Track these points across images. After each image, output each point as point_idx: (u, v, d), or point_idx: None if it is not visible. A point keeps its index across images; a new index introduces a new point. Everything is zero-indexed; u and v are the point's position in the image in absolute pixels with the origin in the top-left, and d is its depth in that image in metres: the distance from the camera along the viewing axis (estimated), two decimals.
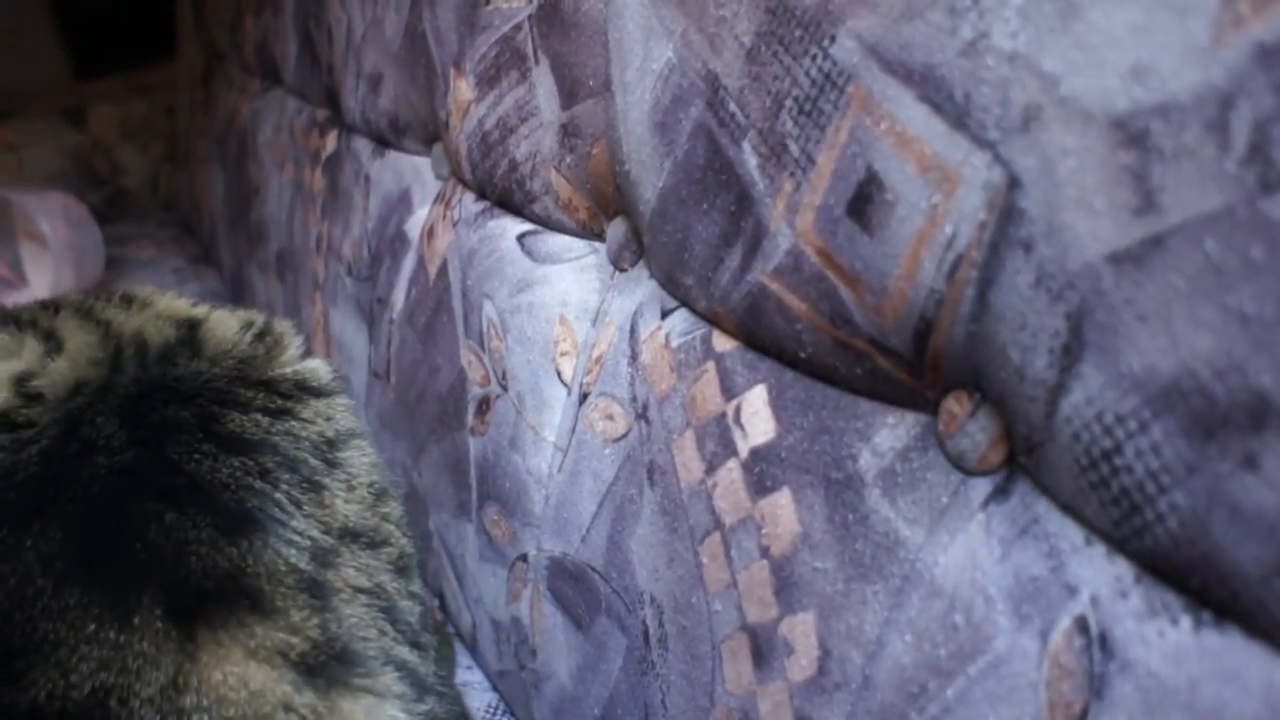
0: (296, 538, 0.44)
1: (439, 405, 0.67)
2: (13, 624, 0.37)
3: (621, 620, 0.50)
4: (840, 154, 0.36)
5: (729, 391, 0.44)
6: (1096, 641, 0.30)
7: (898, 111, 0.34)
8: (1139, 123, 0.28)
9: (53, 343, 0.51)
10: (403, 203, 0.76)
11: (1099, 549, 0.31)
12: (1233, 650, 0.27)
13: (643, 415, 0.49)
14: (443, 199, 0.70)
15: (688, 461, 0.45)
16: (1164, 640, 0.28)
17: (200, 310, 0.58)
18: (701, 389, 0.45)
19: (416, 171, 0.75)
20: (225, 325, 0.56)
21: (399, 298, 0.74)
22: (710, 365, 0.45)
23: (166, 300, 0.58)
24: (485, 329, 0.62)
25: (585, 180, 0.54)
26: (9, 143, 1.56)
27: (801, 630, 0.39)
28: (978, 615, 0.33)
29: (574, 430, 0.54)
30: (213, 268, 1.43)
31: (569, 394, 0.55)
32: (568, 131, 0.54)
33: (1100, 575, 0.30)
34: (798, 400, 0.41)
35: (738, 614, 0.42)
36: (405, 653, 0.45)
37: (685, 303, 0.47)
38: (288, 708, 0.37)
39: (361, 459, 0.52)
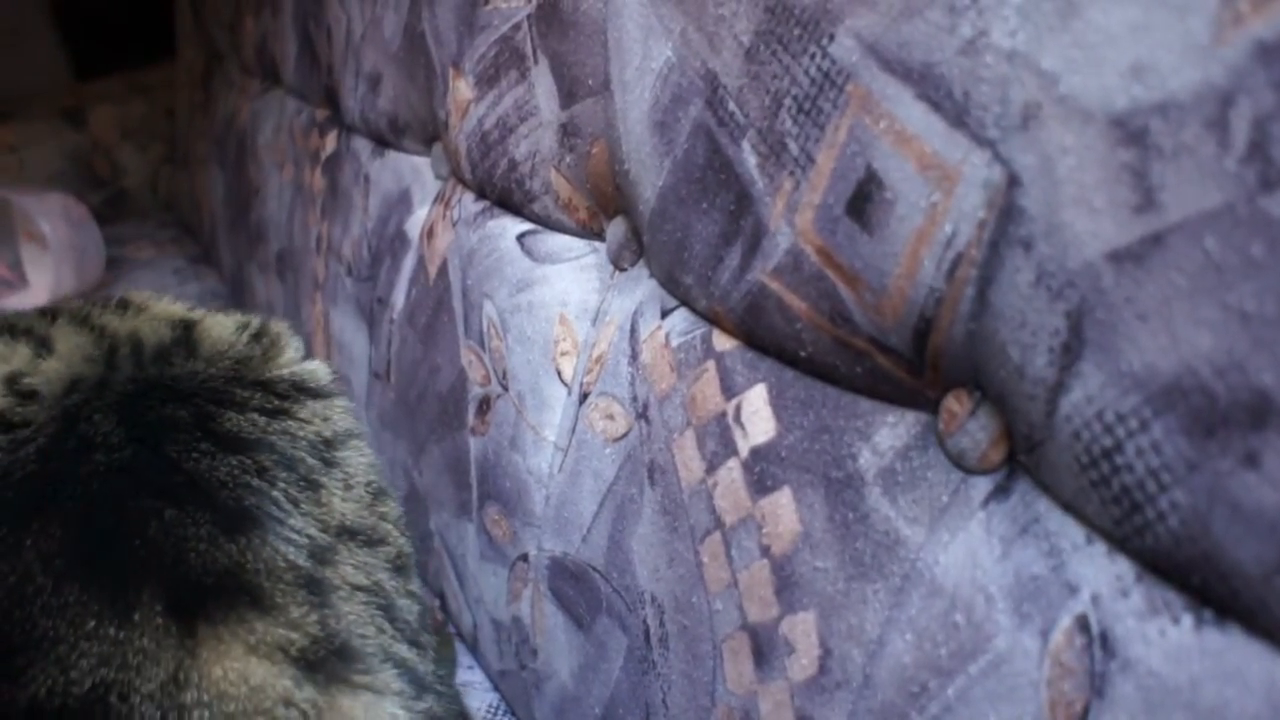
0: (294, 535, 0.44)
1: (439, 405, 0.67)
2: (12, 621, 0.37)
3: (622, 620, 0.50)
4: (840, 153, 0.36)
5: (729, 391, 0.44)
6: (1097, 640, 0.30)
7: (897, 110, 0.34)
8: (1139, 121, 0.28)
9: (44, 347, 0.51)
10: (402, 203, 0.76)
11: (1100, 547, 0.31)
12: (1234, 649, 0.27)
13: (643, 415, 0.49)
14: (442, 199, 0.70)
15: (688, 461, 0.45)
16: (1165, 639, 0.28)
17: (196, 313, 0.58)
18: (702, 388, 0.45)
19: (416, 171, 0.75)
20: (221, 326, 0.56)
21: (399, 298, 0.74)
22: (710, 364, 0.45)
23: (163, 304, 0.58)
24: (485, 329, 0.62)
25: (585, 180, 0.54)
26: (9, 143, 1.56)
27: (802, 629, 0.39)
28: (978, 614, 0.33)
29: (574, 430, 0.54)
30: (213, 268, 1.43)
31: (569, 393, 0.55)
32: (567, 131, 0.54)
33: (1101, 574, 0.30)
34: (798, 399, 0.41)
35: (738, 613, 0.42)
36: (404, 650, 0.45)
37: (685, 302, 0.47)
38: (288, 703, 0.37)
39: (359, 459, 0.52)
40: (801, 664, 0.39)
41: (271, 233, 1.09)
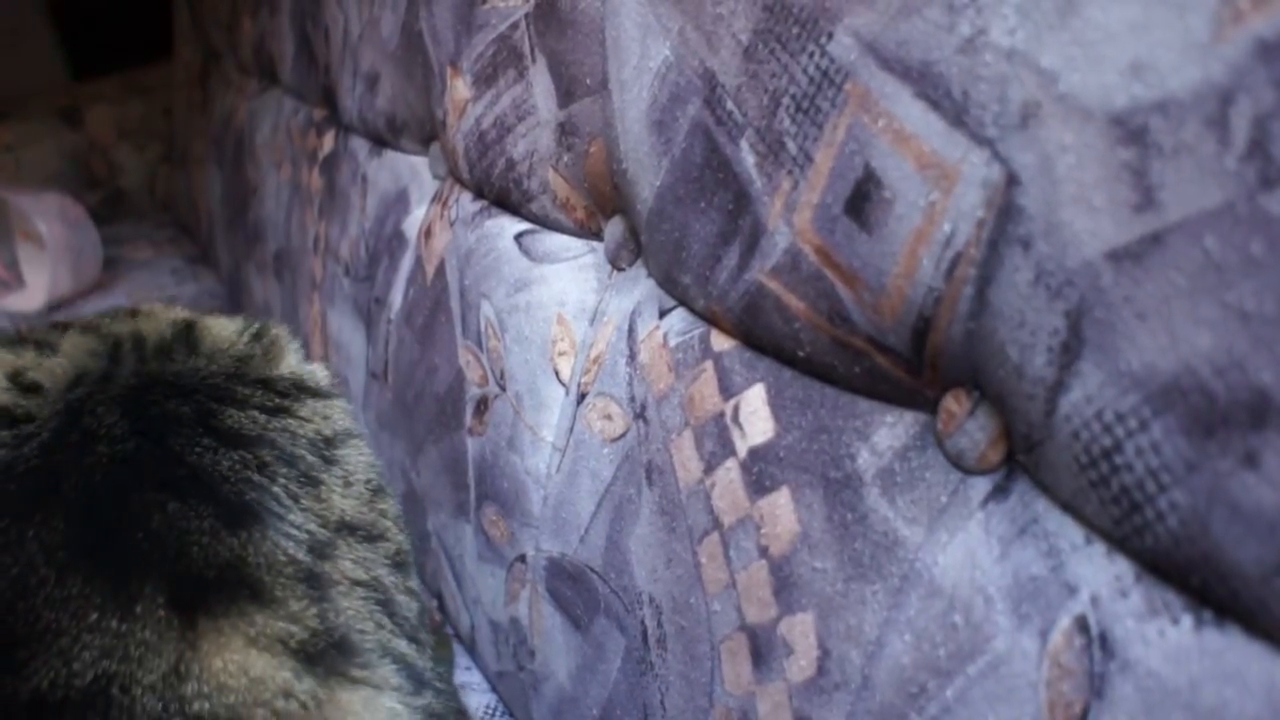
0: (294, 530, 0.44)
1: (437, 405, 0.67)
2: (15, 613, 0.38)
3: (620, 621, 0.50)
4: (838, 152, 0.36)
5: (727, 391, 0.44)
6: (1096, 641, 0.30)
7: (896, 109, 0.34)
8: (1138, 119, 0.27)
9: (48, 347, 0.52)
10: (400, 202, 0.76)
11: (1099, 548, 0.30)
12: (1233, 649, 0.27)
13: (641, 415, 0.49)
14: (440, 198, 0.70)
15: (686, 461, 0.45)
16: (1164, 640, 0.28)
17: (197, 314, 0.59)
18: (700, 388, 0.45)
19: (414, 171, 0.75)
20: (221, 326, 0.57)
21: (396, 298, 0.74)
22: (708, 364, 0.45)
23: (166, 309, 0.60)
24: (483, 329, 0.62)
25: (583, 179, 0.54)
26: (6, 143, 1.56)
27: (800, 630, 0.39)
28: (977, 615, 0.33)
29: (572, 430, 0.54)
30: (210, 268, 1.43)
31: (567, 394, 0.55)
32: (565, 130, 0.54)
33: (1100, 574, 0.30)
34: (796, 399, 0.41)
35: (736, 614, 0.42)
36: (403, 646, 0.45)
37: (683, 302, 0.47)
38: (287, 694, 0.38)
39: (359, 457, 0.52)
40: (800, 665, 0.39)
41: (269, 232, 1.09)
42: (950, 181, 0.32)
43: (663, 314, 0.48)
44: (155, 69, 1.69)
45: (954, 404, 0.35)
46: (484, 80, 0.60)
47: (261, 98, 1.15)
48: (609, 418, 0.51)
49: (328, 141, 0.92)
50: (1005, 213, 0.31)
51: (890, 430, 0.37)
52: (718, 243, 0.43)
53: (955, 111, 0.32)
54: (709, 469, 0.44)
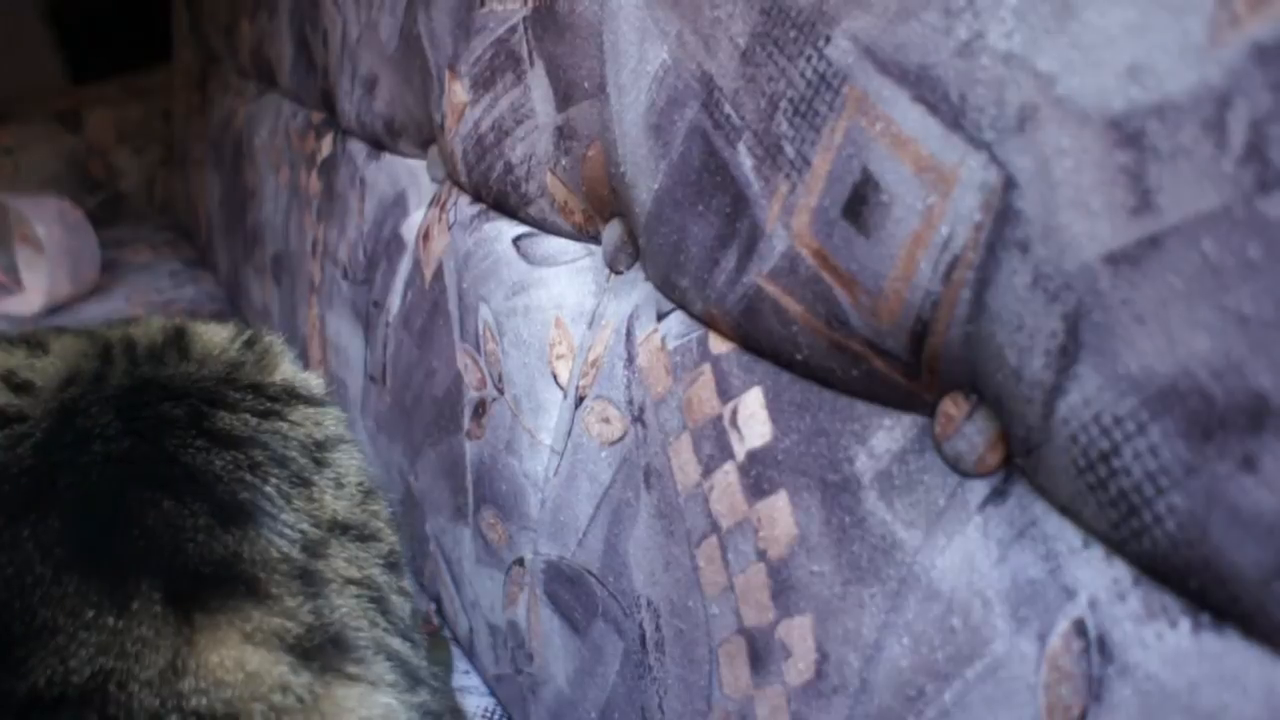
0: (287, 529, 0.45)
1: (435, 409, 0.67)
2: (12, 612, 0.38)
3: (618, 624, 0.50)
4: (836, 155, 0.36)
5: (725, 394, 0.44)
6: (1095, 644, 0.30)
7: (893, 112, 0.34)
8: (1135, 122, 0.27)
9: (40, 348, 0.53)
10: (398, 206, 0.76)
11: (1097, 551, 0.30)
12: (1232, 653, 0.27)
13: (639, 418, 0.49)
14: (438, 202, 0.70)
15: (684, 464, 0.45)
16: (1163, 643, 0.28)
17: (188, 321, 0.59)
18: (698, 391, 0.45)
19: (412, 174, 0.75)
20: (213, 333, 0.58)
21: (395, 301, 0.74)
22: (706, 367, 0.45)
23: (159, 317, 0.60)
24: (481, 332, 0.61)
25: (581, 183, 0.54)
26: (4, 146, 1.56)
27: (799, 633, 0.39)
28: (975, 618, 0.33)
29: (570, 433, 0.54)
30: (209, 271, 1.43)
31: (565, 397, 0.55)
32: (563, 134, 0.54)
33: (1099, 577, 0.30)
34: (794, 402, 0.41)
35: (735, 617, 0.42)
36: (397, 644, 0.45)
37: (681, 305, 0.47)
38: (284, 689, 0.38)
39: (350, 461, 0.53)
40: (798, 668, 0.39)
41: (268, 236, 1.09)
42: (948, 185, 0.32)
43: (661, 317, 0.48)
44: (154, 72, 1.69)
45: (952, 407, 0.35)
46: (482, 84, 0.60)
47: (260, 101, 1.15)
48: (607, 421, 0.51)
49: (326, 145, 0.92)
50: (1003, 216, 0.31)
51: (888, 433, 0.37)
52: (715, 246, 0.43)
53: (953, 115, 0.32)
54: (707, 472, 0.44)
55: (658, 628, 0.47)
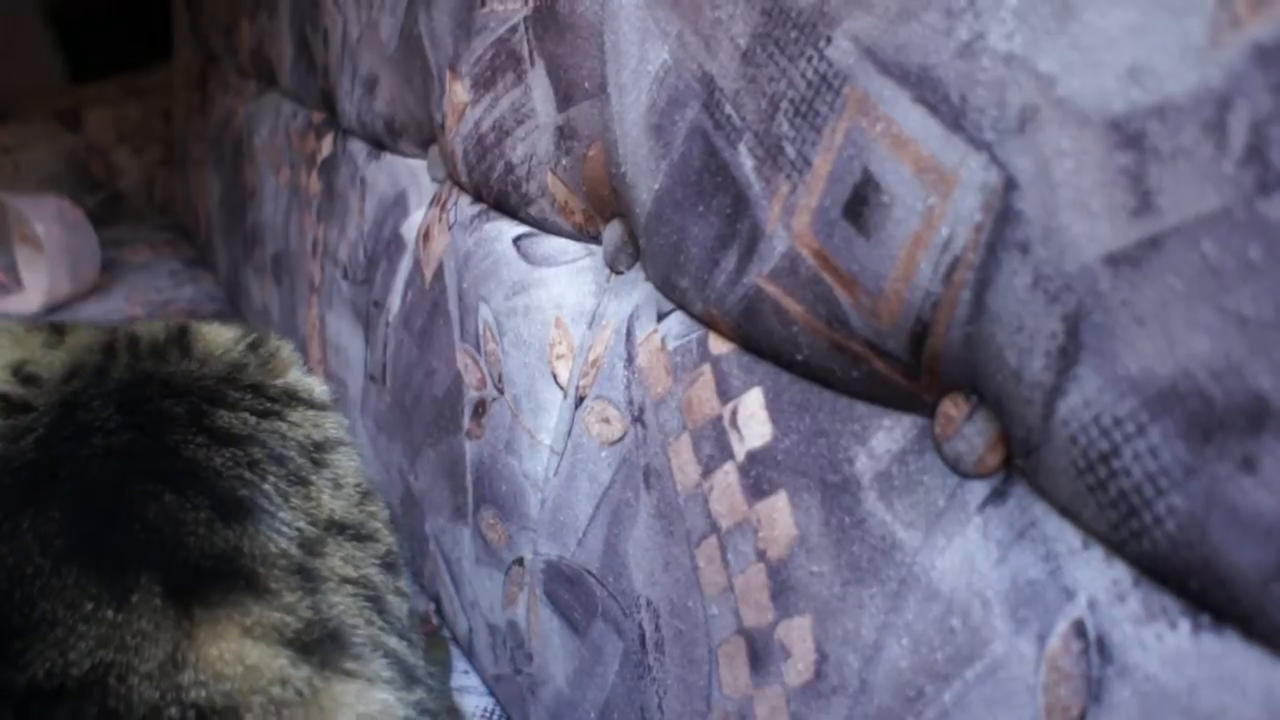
0: (284, 527, 0.45)
1: (435, 408, 0.67)
2: (12, 604, 0.38)
3: (618, 624, 0.50)
4: (836, 156, 0.36)
5: (725, 394, 0.44)
6: (1094, 645, 0.30)
7: (894, 113, 0.34)
8: (1136, 124, 0.27)
9: (56, 334, 0.53)
10: (398, 205, 0.76)
11: (1097, 552, 0.30)
12: (1232, 654, 0.27)
13: (639, 418, 0.49)
14: (439, 202, 0.70)
15: (684, 465, 0.45)
16: (1162, 644, 0.28)
17: (193, 321, 0.60)
18: (698, 392, 0.45)
19: (412, 174, 0.75)
20: (217, 333, 0.58)
21: (395, 301, 0.74)
22: (706, 368, 0.45)
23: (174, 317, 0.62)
24: (481, 332, 0.61)
25: (581, 183, 0.54)
26: (4, 145, 1.56)
27: (798, 634, 0.39)
28: (975, 619, 0.33)
29: (570, 433, 0.54)
30: (208, 271, 1.43)
31: (565, 397, 0.55)
32: (564, 134, 0.54)
33: (1098, 578, 0.30)
34: (794, 403, 0.41)
35: (734, 618, 0.42)
36: (394, 642, 0.45)
37: (681, 305, 0.47)
38: (283, 682, 0.38)
39: (348, 463, 0.53)
40: (797, 669, 0.39)
41: (268, 235, 1.09)
42: (948, 186, 0.32)
43: (661, 317, 0.48)
44: (154, 72, 1.69)
45: (952, 408, 0.35)
46: (483, 84, 0.60)
47: (260, 100, 1.15)
48: (607, 421, 0.51)
49: (326, 144, 0.92)
50: (1003, 217, 0.31)
51: (888, 434, 0.37)
52: (716, 246, 0.43)
53: (953, 116, 0.32)
54: (707, 472, 0.44)
55: (657, 628, 0.47)
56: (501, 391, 0.60)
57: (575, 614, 0.53)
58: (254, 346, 0.57)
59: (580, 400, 0.53)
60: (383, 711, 0.40)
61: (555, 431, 0.55)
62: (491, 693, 0.65)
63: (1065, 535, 0.31)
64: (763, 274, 0.40)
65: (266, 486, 0.46)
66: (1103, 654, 0.29)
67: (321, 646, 0.40)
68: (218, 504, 0.43)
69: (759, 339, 0.42)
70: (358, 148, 0.85)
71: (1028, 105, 0.30)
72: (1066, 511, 0.32)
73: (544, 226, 0.59)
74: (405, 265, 0.73)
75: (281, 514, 0.45)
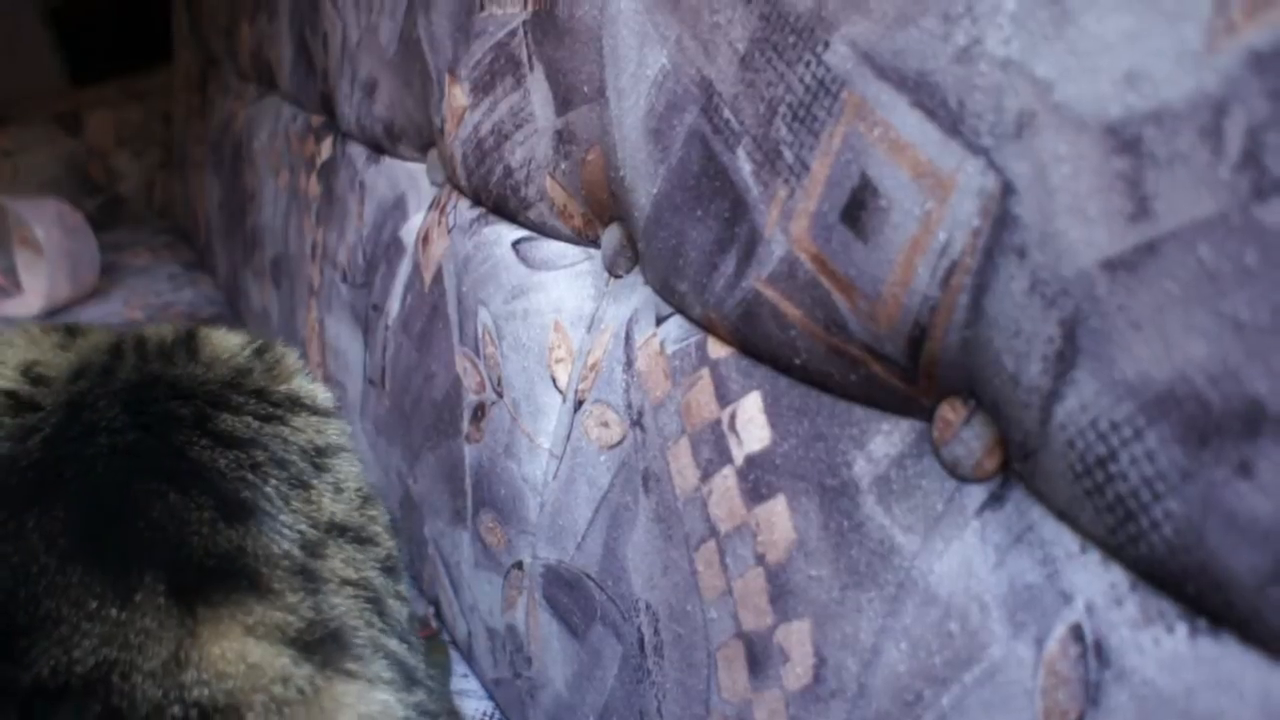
0: (286, 530, 0.45)
1: (434, 412, 0.67)
2: (17, 602, 0.38)
3: (617, 628, 0.50)
4: (834, 160, 0.36)
5: (724, 398, 0.44)
6: (1092, 649, 0.30)
7: (892, 118, 0.34)
8: (1132, 129, 0.28)
9: (69, 338, 0.54)
10: (398, 209, 0.76)
11: (1094, 556, 0.31)
12: (1228, 658, 0.27)
13: (638, 422, 0.49)
14: (438, 205, 0.70)
15: (683, 469, 0.45)
16: (1159, 648, 0.28)
17: (201, 326, 0.61)
18: (696, 396, 0.45)
19: (412, 178, 0.75)
20: (224, 338, 0.59)
21: (394, 304, 0.74)
22: (705, 372, 0.45)
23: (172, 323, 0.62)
24: (480, 335, 0.62)
25: (580, 186, 0.54)
26: (4, 149, 1.56)
27: (797, 638, 0.39)
28: (973, 623, 0.33)
29: (569, 437, 0.54)
30: (208, 274, 1.43)
31: (564, 401, 0.55)
32: (562, 138, 0.54)
33: (1095, 582, 0.30)
34: (792, 407, 0.41)
35: (733, 622, 0.42)
36: (394, 644, 0.45)
37: (680, 309, 0.47)
38: (285, 681, 0.38)
39: (350, 468, 0.53)
40: (796, 673, 0.39)
41: (267, 239, 1.09)
42: (946, 190, 0.32)
43: (659, 321, 0.48)
44: (154, 75, 1.69)
45: (950, 412, 0.35)
46: (482, 88, 0.60)
47: (260, 104, 1.16)
48: (606, 425, 0.51)
49: (326, 148, 0.92)
50: (1000, 222, 0.31)
51: (886, 438, 0.37)
52: (714, 250, 0.43)
53: (951, 121, 0.32)
54: (706, 476, 0.44)
55: (656, 632, 0.47)
56: (500, 395, 0.60)
57: (574, 618, 0.53)
58: (260, 353, 0.58)
59: (579, 404, 0.53)
60: (383, 712, 0.40)
61: (554, 435, 0.55)
62: (491, 696, 0.65)
63: (1063, 539, 0.32)
64: (761, 278, 0.40)
65: (268, 489, 0.46)
66: (1100, 658, 0.30)
67: (323, 646, 0.40)
68: (221, 505, 0.44)
69: (757, 343, 0.42)
70: (357, 151, 0.85)
71: (1025, 110, 0.30)
72: (1064, 515, 0.32)
73: (543, 230, 0.59)
74: (404, 269, 0.73)
75: (283, 516, 0.46)
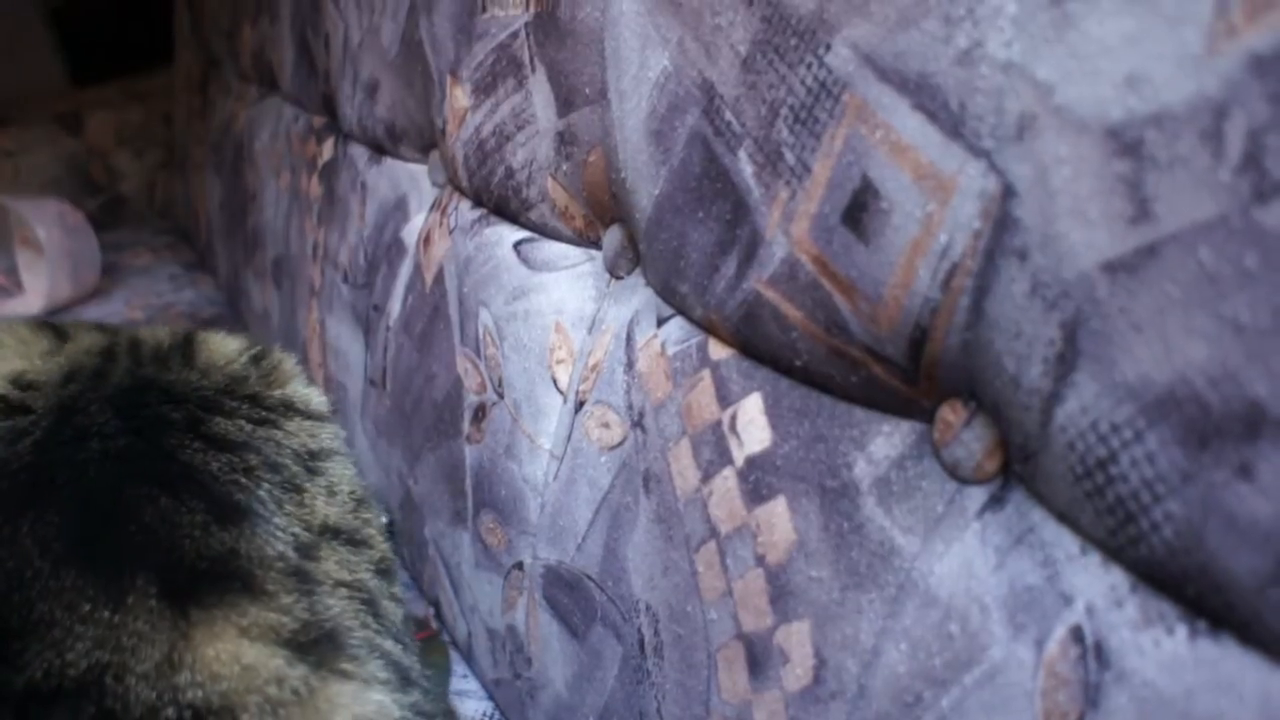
0: (279, 532, 0.45)
1: (435, 413, 0.67)
2: (10, 605, 0.38)
3: (617, 629, 0.50)
4: (836, 162, 0.36)
5: (725, 399, 0.44)
6: (1092, 651, 0.30)
7: (893, 120, 0.34)
8: (1133, 132, 0.28)
9: (58, 342, 0.54)
10: (399, 210, 0.76)
11: (1094, 558, 0.31)
12: (1228, 660, 0.27)
13: (638, 423, 0.49)
14: (439, 206, 0.70)
15: (683, 470, 0.45)
16: (1159, 650, 0.28)
17: (199, 330, 0.61)
18: (697, 397, 0.45)
19: (413, 179, 0.75)
20: (221, 344, 0.58)
21: (395, 305, 0.74)
22: (706, 373, 0.45)
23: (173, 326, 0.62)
24: (481, 336, 0.62)
25: (581, 188, 0.54)
26: (5, 149, 1.56)
27: (797, 639, 0.39)
28: (973, 624, 0.33)
29: (570, 438, 0.54)
30: (209, 275, 1.43)
31: (565, 402, 0.55)
32: (564, 139, 0.54)
33: (1095, 584, 0.30)
34: (793, 408, 0.41)
35: (733, 623, 0.42)
36: (389, 645, 0.45)
37: (681, 311, 0.47)
38: (280, 682, 0.38)
39: (344, 471, 0.53)
40: (796, 674, 0.39)
41: (268, 239, 1.09)
42: (947, 193, 0.33)
43: (660, 322, 0.48)
44: (155, 75, 1.69)
45: (950, 414, 0.35)
46: (483, 89, 0.61)
47: (261, 105, 1.16)
48: (606, 426, 0.51)
49: (327, 149, 0.93)
50: (1001, 224, 0.31)
51: (887, 440, 0.37)
52: (715, 252, 0.43)
53: (952, 123, 0.32)
54: (706, 477, 0.44)
55: (656, 633, 0.47)
56: (501, 396, 0.60)
57: (574, 618, 0.53)
58: (257, 359, 0.58)
59: (580, 405, 0.54)
60: (378, 712, 0.40)
61: (555, 436, 0.56)
62: (491, 697, 0.65)
63: (1063, 541, 0.32)
64: (762, 279, 0.41)
65: (261, 492, 0.47)
66: (1100, 659, 0.30)
67: (318, 647, 0.40)
68: (214, 508, 0.44)
69: (758, 344, 0.42)
70: (359, 152, 0.85)
71: (1026, 113, 0.30)
72: (1064, 517, 0.32)
73: (544, 231, 0.59)
74: (405, 270, 0.73)
75: (276, 519, 0.46)
